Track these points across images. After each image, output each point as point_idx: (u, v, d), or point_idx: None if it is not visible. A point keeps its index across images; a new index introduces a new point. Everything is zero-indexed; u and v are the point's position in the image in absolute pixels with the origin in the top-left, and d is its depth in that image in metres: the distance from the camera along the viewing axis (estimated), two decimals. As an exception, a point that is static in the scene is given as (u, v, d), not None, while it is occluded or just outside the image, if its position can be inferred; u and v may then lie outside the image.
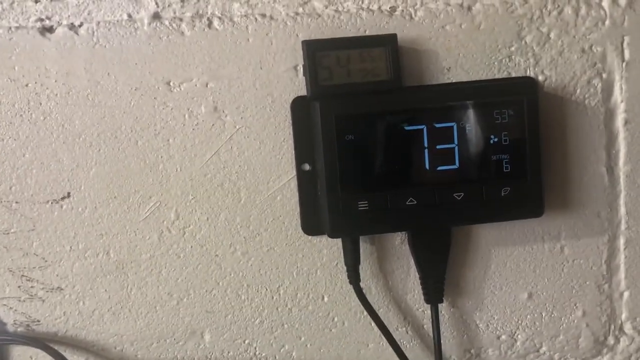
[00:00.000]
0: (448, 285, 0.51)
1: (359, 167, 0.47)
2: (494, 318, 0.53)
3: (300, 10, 0.48)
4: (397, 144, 0.47)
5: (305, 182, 0.49)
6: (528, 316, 0.53)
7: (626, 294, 0.54)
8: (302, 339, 0.52)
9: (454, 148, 0.47)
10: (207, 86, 0.48)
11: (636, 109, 0.51)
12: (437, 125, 0.47)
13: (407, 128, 0.47)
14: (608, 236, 0.52)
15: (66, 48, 0.47)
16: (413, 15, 0.48)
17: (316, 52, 0.46)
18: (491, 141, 0.47)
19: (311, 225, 0.50)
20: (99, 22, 0.47)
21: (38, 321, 0.50)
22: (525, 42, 0.49)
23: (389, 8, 0.48)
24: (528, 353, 0.54)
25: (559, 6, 0.49)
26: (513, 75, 0.50)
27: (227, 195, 0.49)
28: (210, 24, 0.48)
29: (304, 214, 0.50)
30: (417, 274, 0.51)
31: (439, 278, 0.50)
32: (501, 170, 0.47)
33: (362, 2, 0.48)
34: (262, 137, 0.49)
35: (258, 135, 0.49)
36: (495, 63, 0.49)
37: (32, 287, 0.50)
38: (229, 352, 0.52)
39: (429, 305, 0.51)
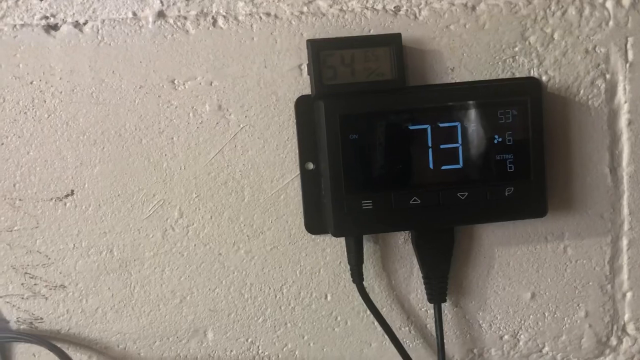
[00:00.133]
0: (451, 284, 0.51)
1: (362, 166, 0.47)
2: (496, 318, 0.53)
3: (305, 9, 0.48)
4: (401, 143, 0.47)
5: (309, 181, 0.49)
6: (531, 316, 0.53)
7: (629, 295, 0.54)
8: (305, 337, 0.52)
9: (457, 148, 0.47)
10: (211, 85, 0.48)
11: (640, 109, 0.51)
12: (441, 125, 0.47)
13: (411, 127, 0.47)
14: (611, 237, 0.52)
15: (71, 46, 0.47)
16: (417, 15, 0.48)
17: (320, 51, 0.46)
18: (495, 141, 0.47)
19: (315, 224, 0.50)
20: (103, 20, 0.47)
21: (41, 319, 0.50)
22: (529, 43, 0.49)
23: (394, 7, 0.48)
24: (531, 353, 0.54)
25: (562, 7, 0.49)
26: (517, 75, 0.50)
27: (231, 194, 0.49)
28: (214, 23, 0.48)
29: (308, 213, 0.50)
30: (420, 273, 0.51)
31: (442, 277, 0.50)
32: (505, 170, 0.48)
33: (367, 2, 0.48)
34: (266, 136, 0.49)
35: (262, 134, 0.49)
36: (499, 63, 0.49)
37: (35, 284, 0.50)
38: (231, 351, 0.52)
39: (432, 305, 0.51)
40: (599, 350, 0.54)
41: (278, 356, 0.52)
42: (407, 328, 0.53)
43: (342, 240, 0.50)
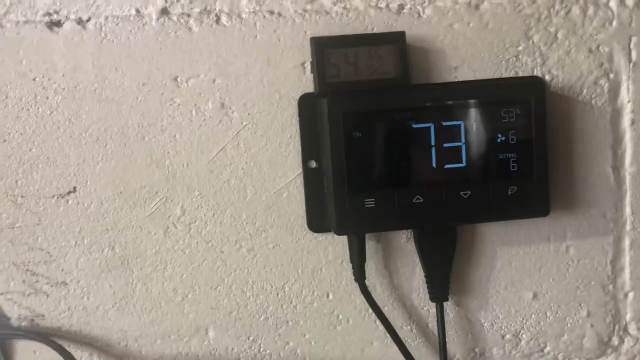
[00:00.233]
0: (453, 283, 0.51)
1: (365, 164, 0.47)
2: (498, 317, 0.53)
3: (309, 7, 0.48)
4: (404, 141, 0.47)
5: (312, 179, 0.49)
6: (533, 316, 0.53)
7: (631, 295, 0.54)
8: (307, 336, 0.52)
9: (461, 146, 0.47)
10: (214, 82, 0.48)
11: (643, 109, 0.51)
12: (445, 124, 0.47)
13: (414, 126, 0.47)
14: (613, 237, 0.52)
15: (74, 43, 0.47)
16: (421, 14, 0.48)
17: (324, 49, 0.46)
18: (498, 140, 0.47)
19: (317, 222, 0.50)
20: (107, 17, 0.47)
21: (42, 316, 0.50)
22: (533, 42, 0.49)
23: (397, 6, 0.48)
24: (532, 353, 0.54)
25: (566, 6, 0.49)
26: (520, 74, 0.50)
27: (233, 192, 0.49)
28: (218, 20, 0.48)
29: (310, 211, 0.49)
30: (422, 272, 0.51)
31: (444, 276, 0.50)
32: (508, 169, 0.47)
33: (371, 0, 0.48)
34: (269, 134, 0.49)
35: (265, 131, 0.49)
36: (503, 62, 0.49)
37: (36, 281, 0.50)
38: (233, 349, 0.52)
39: (434, 304, 0.51)
40: (601, 350, 0.54)
41: (280, 354, 0.52)
42: (408, 327, 0.52)
43: (344, 238, 0.50)
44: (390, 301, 0.52)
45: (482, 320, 0.53)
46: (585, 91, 0.50)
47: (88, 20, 0.47)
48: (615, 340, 0.54)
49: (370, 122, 0.46)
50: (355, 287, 0.50)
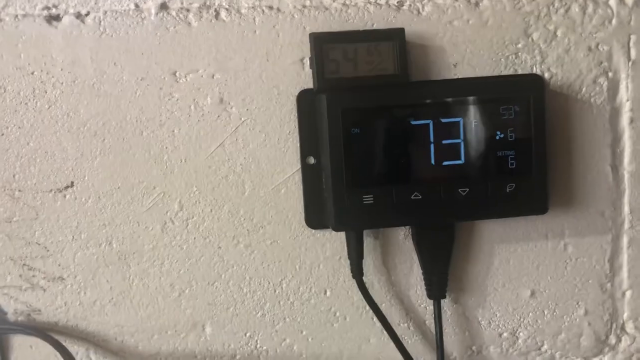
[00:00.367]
0: (451, 281, 0.51)
1: (364, 160, 0.46)
2: (496, 315, 0.53)
3: (308, 3, 0.48)
4: (403, 138, 0.47)
5: (310, 176, 0.49)
6: (530, 314, 0.53)
7: (628, 293, 0.54)
8: (304, 332, 0.52)
9: (459, 143, 0.47)
10: (213, 77, 0.48)
11: (642, 108, 0.51)
12: (443, 121, 0.47)
13: (413, 122, 0.47)
14: (611, 235, 0.52)
15: (72, 37, 0.47)
16: (421, 10, 0.48)
17: (323, 45, 0.46)
18: (497, 137, 0.47)
19: (315, 218, 0.49)
20: (105, 12, 0.47)
21: (39, 311, 0.50)
22: (532, 40, 0.49)
23: (397, 2, 0.48)
24: (529, 351, 0.54)
25: (566, 4, 0.49)
26: (519, 72, 0.50)
27: (231, 188, 0.49)
28: (217, 15, 0.47)
29: (308, 208, 0.49)
30: (420, 269, 0.51)
31: (442, 274, 0.50)
32: (506, 166, 0.47)
33: (370, -4, 0.48)
34: (267, 130, 0.49)
35: (263, 127, 0.49)
36: (502, 60, 0.49)
37: (33, 276, 0.50)
38: (230, 345, 0.52)
39: (431, 301, 0.51)
40: (598, 348, 0.54)
41: (276, 351, 0.52)
42: (406, 324, 0.52)
43: (342, 235, 0.50)
44: (387, 298, 0.52)
45: (480, 318, 0.53)
46: (584, 89, 0.50)
47: (87, 14, 0.47)
48: (612, 339, 0.54)
49: (369, 119, 0.46)
50: (352, 283, 0.50)
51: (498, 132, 0.47)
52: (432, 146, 0.47)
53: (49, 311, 0.50)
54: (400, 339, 0.51)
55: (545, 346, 0.54)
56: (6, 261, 0.49)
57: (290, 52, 0.48)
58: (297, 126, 0.49)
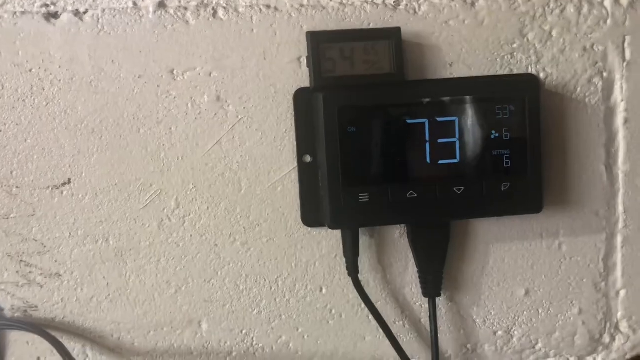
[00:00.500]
0: (446, 279, 0.51)
1: (360, 159, 0.47)
2: (490, 314, 0.53)
3: (305, 2, 0.48)
4: (399, 137, 0.47)
5: (306, 174, 0.49)
6: (525, 312, 0.53)
7: (622, 293, 0.54)
8: (300, 330, 0.52)
9: (455, 142, 0.47)
10: (210, 76, 0.48)
11: (636, 108, 0.51)
12: (439, 119, 0.47)
13: (409, 121, 0.47)
14: (606, 234, 0.53)
15: (71, 34, 0.47)
16: (417, 10, 0.49)
17: (320, 43, 0.47)
18: (492, 136, 0.47)
19: (311, 216, 0.50)
20: (104, 9, 0.47)
21: (36, 307, 0.50)
22: (528, 40, 0.50)
23: (393, 2, 0.49)
24: (524, 349, 0.54)
25: (561, 5, 0.50)
26: (515, 72, 0.50)
27: (228, 185, 0.50)
28: (215, 14, 0.48)
29: (304, 206, 0.50)
30: (415, 267, 0.51)
31: (437, 272, 0.51)
32: (501, 165, 0.48)
33: (367, -4, 0.48)
34: (264, 128, 0.49)
35: (260, 125, 0.49)
36: (498, 59, 0.50)
37: (30, 272, 0.50)
38: (226, 342, 0.52)
39: (426, 299, 0.51)
40: (592, 347, 0.55)
41: (272, 348, 0.52)
42: (401, 322, 0.53)
43: (338, 233, 0.50)
44: (383, 296, 0.52)
45: (475, 317, 0.53)
46: (579, 89, 0.51)
47: (85, 12, 0.47)
48: (606, 338, 0.55)
49: (365, 117, 0.46)
50: (348, 281, 0.50)
51: (493, 132, 0.47)
52: (427, 145, 0.47)
53: (45, 307, 0.50)
54: (396, 336, 0.51)
55: (540, 345, 0.54)
56: (3, 257, 0.49)
57: (288, 51, 0.48)
58: (293, 124, 0.49)
